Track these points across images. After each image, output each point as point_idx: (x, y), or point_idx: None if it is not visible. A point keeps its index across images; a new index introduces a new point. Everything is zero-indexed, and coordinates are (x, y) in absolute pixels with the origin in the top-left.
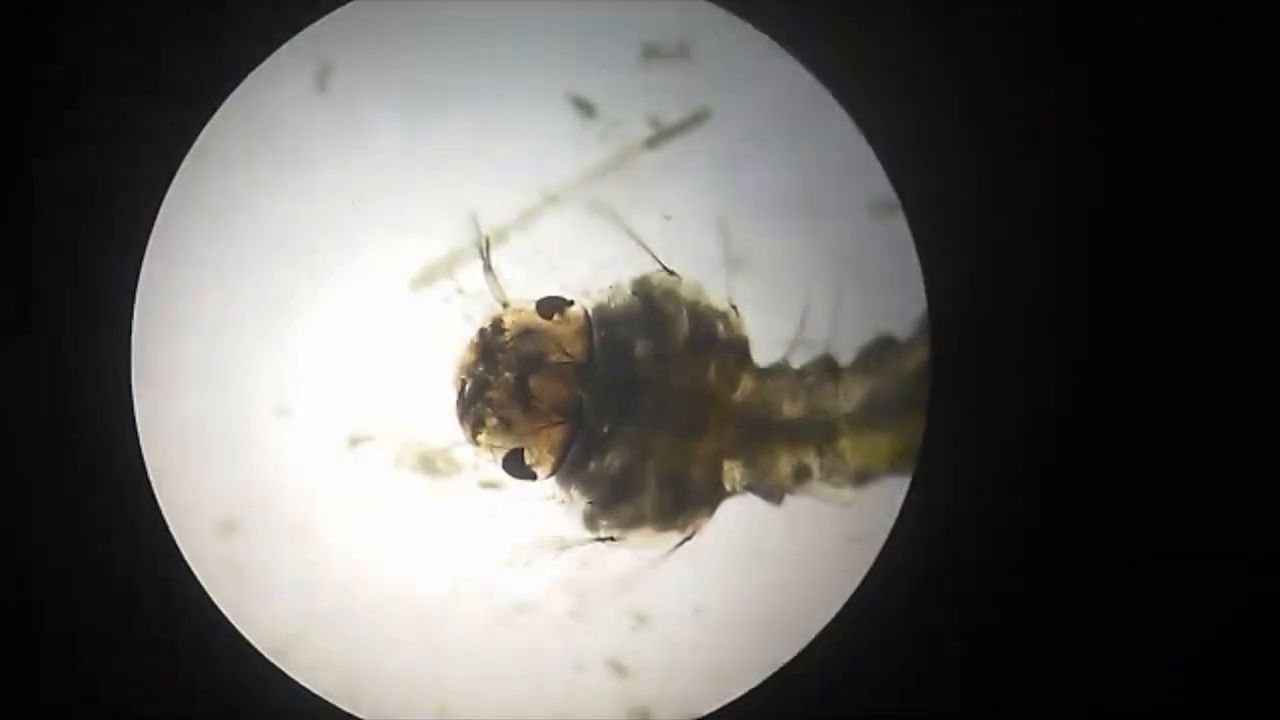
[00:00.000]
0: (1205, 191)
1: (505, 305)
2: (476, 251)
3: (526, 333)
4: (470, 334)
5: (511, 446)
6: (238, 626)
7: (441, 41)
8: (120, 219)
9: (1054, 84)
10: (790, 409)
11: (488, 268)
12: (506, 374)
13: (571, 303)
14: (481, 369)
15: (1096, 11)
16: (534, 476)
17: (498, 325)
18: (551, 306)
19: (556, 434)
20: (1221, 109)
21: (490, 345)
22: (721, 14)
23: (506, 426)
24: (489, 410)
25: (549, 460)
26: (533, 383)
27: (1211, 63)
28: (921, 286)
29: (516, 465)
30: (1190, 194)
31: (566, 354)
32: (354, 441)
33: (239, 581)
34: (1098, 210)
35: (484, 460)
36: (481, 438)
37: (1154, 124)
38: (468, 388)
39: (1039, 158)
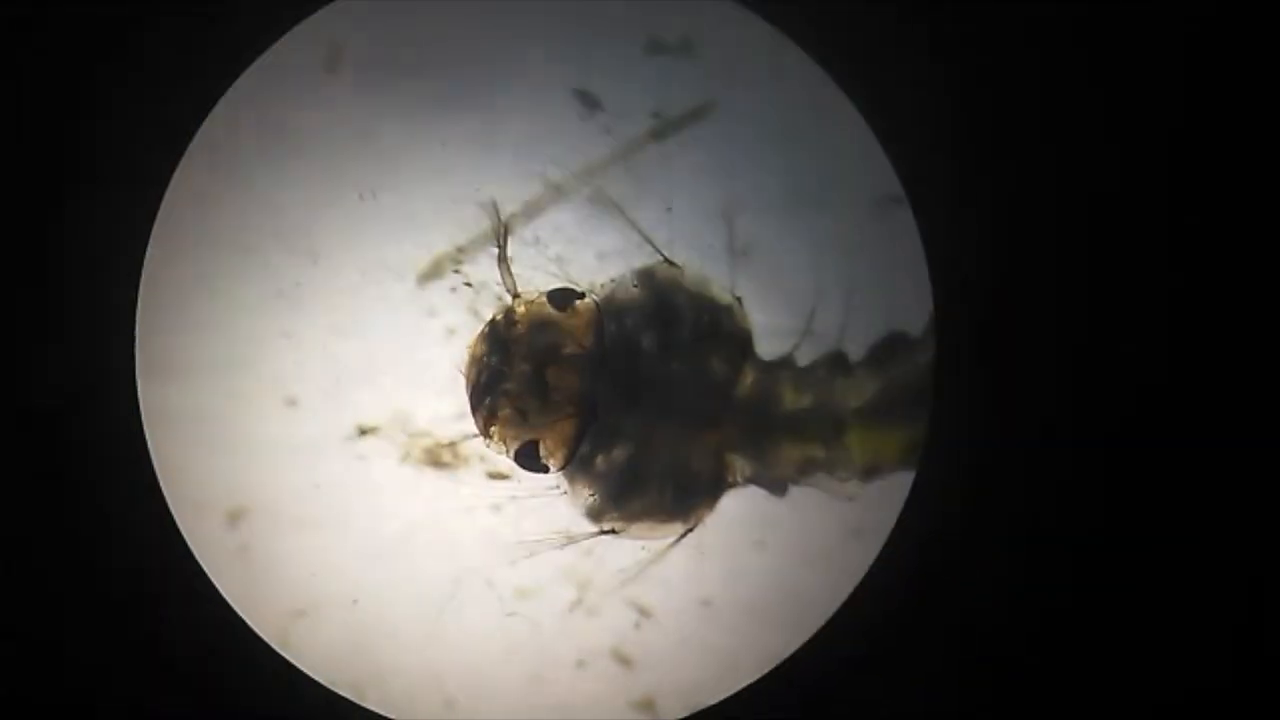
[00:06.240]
0: (1217, 187)
1: (516, 296)
2: (493, 240)
3: (542, 325)
4: (480, 325)
5: (525, 439)
6: (244, 616)
7: (447, 34)
8: (124, 207)
9: (1063, 79)
10: (796, 402)
11: (502, 258)
12: (523, 366)
13: (583, 295)
14: (495, 360)
15: (1103, 8)
16: (547, 469)
17: (509, 316)
18: (564, 299)
19: (569, 426)
20: (1233, 106)
21: (502, 337)
22: (726, 6)
23: (522, 419)
24: (504, 402)
25: (561, 453)
26: (550, 374)
27: (1224, 60)
28: (927, 281)
29: (530, 458)
30: (1201, 190)
31: (581, 346)
32: (361, 433)
33: (245, 571)
34: (1107, 205)
35: (493, 452)
36: (495, 430)
37: (1164, 119)
38: (482, 379)
39: (1047, 152)
